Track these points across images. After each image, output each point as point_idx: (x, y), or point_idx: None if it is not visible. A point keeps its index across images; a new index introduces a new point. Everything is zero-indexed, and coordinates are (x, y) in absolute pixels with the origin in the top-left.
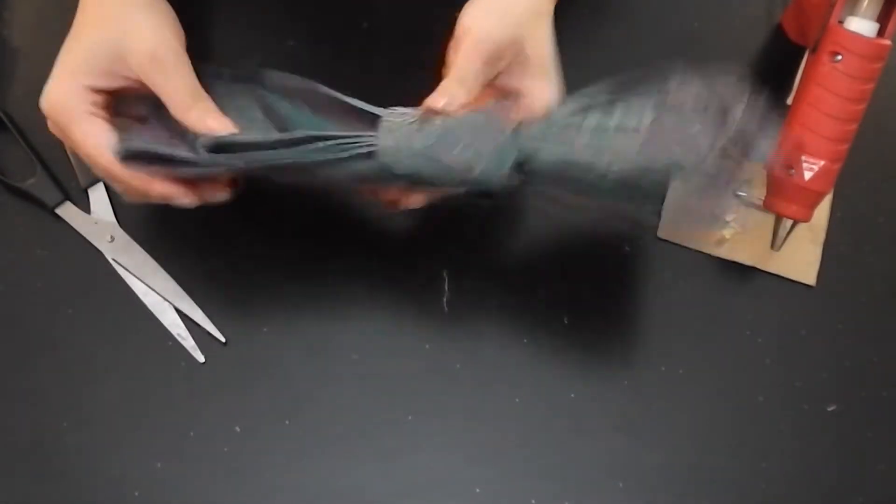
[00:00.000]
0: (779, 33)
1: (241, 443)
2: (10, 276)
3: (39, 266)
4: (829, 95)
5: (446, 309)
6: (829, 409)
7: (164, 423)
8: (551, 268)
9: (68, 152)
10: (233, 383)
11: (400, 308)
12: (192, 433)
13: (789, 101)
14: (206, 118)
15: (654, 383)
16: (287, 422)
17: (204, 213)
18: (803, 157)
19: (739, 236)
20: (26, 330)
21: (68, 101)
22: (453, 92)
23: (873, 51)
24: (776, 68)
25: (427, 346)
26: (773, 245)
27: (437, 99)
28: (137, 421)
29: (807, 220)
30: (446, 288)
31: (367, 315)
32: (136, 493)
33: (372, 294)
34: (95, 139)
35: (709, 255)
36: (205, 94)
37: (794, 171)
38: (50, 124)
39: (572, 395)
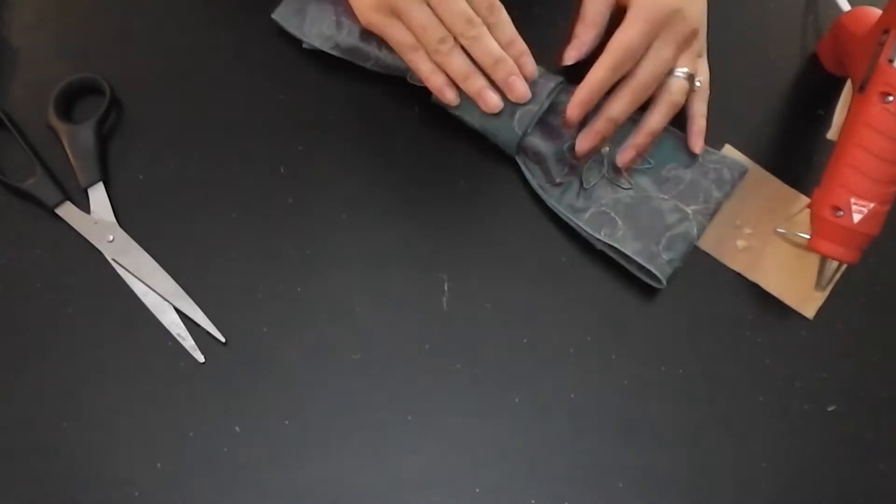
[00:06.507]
0: (814, 62)
1: (241, 443)
2: (10, 276)
3: (39, 266)
4: (878, 137)
5: (446, 309)
6: (829, 409)
7: (164, 423)
8: (551, 267)
9: (69, 152)
10: (233, 383)
11: (400, 308)
12: (192, 433)
13: (830, 135)
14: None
15: (654, 383)
16: (287, 422)
17: (203, 213)
18: (852, 200)
19: (753, 252)
20: (26, 330)
21: None
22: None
23: None
24: (812, 98)
25: (427, 346)
26: (817, 285)
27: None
28: (137, 421)
29: (853, 262)
30: (446, 288)
31: (367, 315)
32: (136, 494)
33: (372, 294)
34: None
35: (707, 254)
36: None
37: (842, 212)
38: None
39: (572, 395)
